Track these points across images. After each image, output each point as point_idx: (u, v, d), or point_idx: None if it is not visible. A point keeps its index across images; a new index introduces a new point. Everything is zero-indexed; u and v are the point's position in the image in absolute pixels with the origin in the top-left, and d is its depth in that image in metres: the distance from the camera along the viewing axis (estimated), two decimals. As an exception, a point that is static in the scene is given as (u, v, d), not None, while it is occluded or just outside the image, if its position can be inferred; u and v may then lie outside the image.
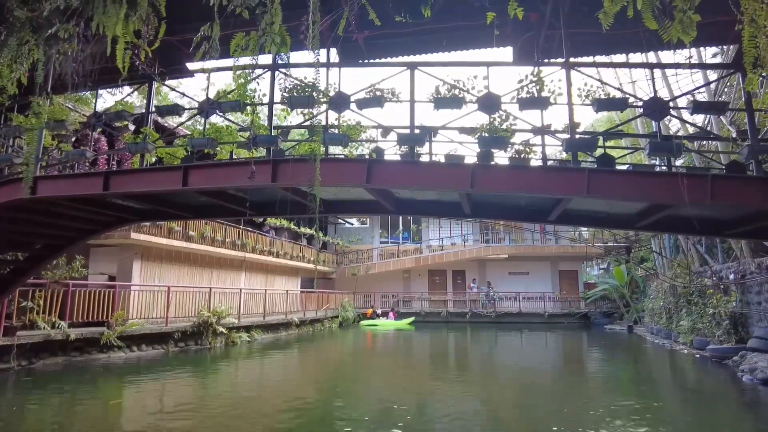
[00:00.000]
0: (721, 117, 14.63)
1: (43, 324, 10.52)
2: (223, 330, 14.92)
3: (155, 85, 7.36)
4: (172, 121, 12.61)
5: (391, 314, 27.76)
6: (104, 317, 12.19)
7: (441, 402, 8.71)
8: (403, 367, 13.73)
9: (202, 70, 7.05)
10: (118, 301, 12.81)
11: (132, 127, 8.17)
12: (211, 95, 6.75)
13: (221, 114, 6.90)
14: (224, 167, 6.70)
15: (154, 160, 8.11)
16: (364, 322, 26.62)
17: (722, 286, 15.14)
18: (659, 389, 10.57)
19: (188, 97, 8.13)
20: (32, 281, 10.33)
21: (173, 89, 11.26)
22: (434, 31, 6.88)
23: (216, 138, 6.65)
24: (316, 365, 13.76)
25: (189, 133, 9.85)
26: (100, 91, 8.60)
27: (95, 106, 7.91)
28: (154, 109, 7.22)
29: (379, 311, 28.50)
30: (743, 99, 6.02)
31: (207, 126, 6.88)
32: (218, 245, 18.15)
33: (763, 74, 4.75)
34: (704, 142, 16.07)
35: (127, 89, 7.54)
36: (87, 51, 6.31)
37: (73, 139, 8.91)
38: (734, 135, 7.69)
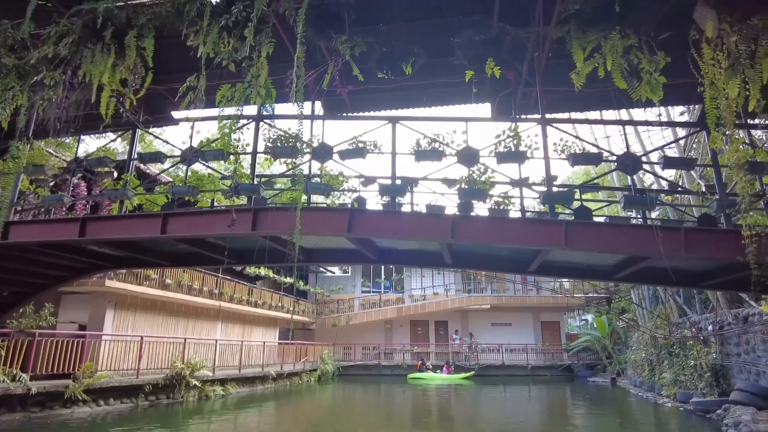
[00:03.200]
0: (691, 171, 15.20)
1: (2, 377, 9.96)
2: (197, 383, 14.32)
3: (139, 132, 7.40)
4: (154, 168, 12.61)
5: (445, 368, 26.64)
6: (71, 369, 11.61)
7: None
8: (386, 425, 13.25)
9: (187, 119, 7.15)
10: (87, 351, 12.26)
11: (114, 173, 8.15)
12: (195, 143, 6.80)
13: (204, 162, 6.93)
14: (204, 215, 6.67)
15: (133, 206, 8.05)
16: (411, 375, 25.89)
17: (702, 338, 15.20)
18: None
19: (172, 145, 8.15)
20: (-4, 330, 9.88)
21: (157, 137, 11.27)
22: (415, 88, 7.14)
23: (197, 186, 6.66)
24: (292, 423, 13.19)
25: (170, 180, 9.84)
26: (83, 137, 8.60)
27: (77, 151, 7.90)
28: (136, 156, 7.23)
29: (429, 364, 27.40)
30: (710, 155, 6.30)
31: (189, 174, 6.90)
32: (195, 294, 17.72)
33: (726, 132, 4.99)
34: (677, 196, 16.59)
35: (110, 135, 7.56)
36: (72, 98, 6.36)
37: (52, 183, 8.81)
38: (704, 189, 7.99)
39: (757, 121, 6.45)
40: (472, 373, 26.13)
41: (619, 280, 8.20)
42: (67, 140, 11.46)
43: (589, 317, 30.66)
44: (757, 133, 12.78)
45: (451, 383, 23.85)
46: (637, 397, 17.76)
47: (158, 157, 7.13)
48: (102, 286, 13.52)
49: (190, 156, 6.64)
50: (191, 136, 6.83)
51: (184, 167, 6.88)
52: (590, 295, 28.23)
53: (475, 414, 15.01)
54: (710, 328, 14.84)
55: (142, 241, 7.56)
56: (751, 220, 5.21)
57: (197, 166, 7.99)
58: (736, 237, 5.25)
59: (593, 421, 13.84)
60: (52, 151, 9.97)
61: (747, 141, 6.94)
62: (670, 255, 5.54)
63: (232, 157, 6.67)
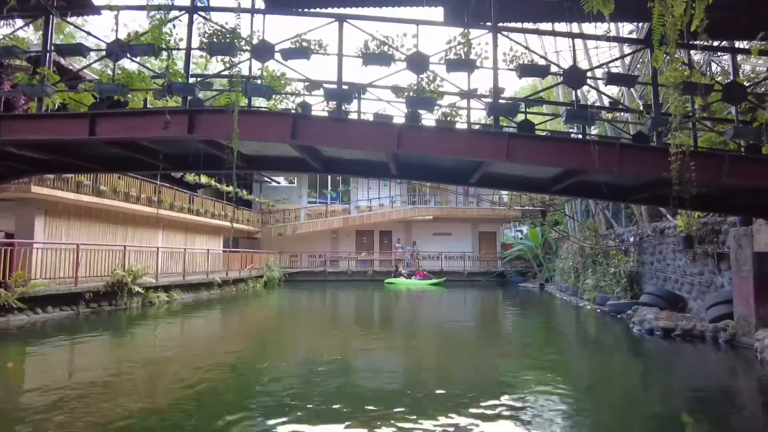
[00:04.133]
0: (632, 90, 15.61)
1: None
2: (140, 290, 14.24)
3: (55, 20, 6.57)
4: (77, 64, 11.42)
5: (418, 274, 27.87)
6: (1, 278, 11.18)
7: (364, 358, 8.97)
8: (327, 324, 13.93)
9: (110, 8, 6.38)
10: (17, 260, 11.77)
11: (30, 68, 7.32)
12: (122, 37, 6.16)
13: (133, 58, 6.34)
14: (136, 116, 6.22)
15: (57, 105, 7.37)
16: (387, 280, 27.48)
17: (623, 248, 16.60)
18: (563, 339, 11.63)
19: (96, 37, 7.30)
20: None
21: (78, 27, 9.93)
22: (365, -16, 6.67)
23: (127, 84, 6.13)
24: (238, 325, 13.59)
25: (97, 77, 9.01)
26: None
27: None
28: (53, 47, 6.48)
29: (403, 271, 28.38)
30: (650, 74, 6.45)
31: (117, 71, 6.31)
32: (133, 201, 17.08)
33: (668, 51, 5.07)
34: (617, 114, 17.14)
35: (19, 22, 6.67)
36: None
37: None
38: (641, 108, 8.26)
39: (698, 42, 6.60)
40: (443, 279, 27.56)
41: (556, 193, 8.60)
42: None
43: (525, 228, 32.50)
44: (696, 57, 13.15)
45: (420, 288, 25.14)
46: (561, 300, 19.49)
47: (79, 49, 6.43)
48: (28, 192, 12.71)
49: (116, 50, 6.04)
50: (116, 28, 6.17)
51: (112, 64, 6.27)
52: (527, 207, 29.71)
53: (415, 313, 16.05)
54: (631, 239, 16.17)
55: (69, 143, 7.01)
56: (678, 140, 5.51)
57: (127, 64, 7.31)
58: (664, 154, 5.56)
59: (521, 320, 15.19)
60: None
61: (685, 61, 7.12)
62: (605, 169, 5.83)
63: (164, 54, 6.13)
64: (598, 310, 15.27)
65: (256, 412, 5.43)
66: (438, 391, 6.41)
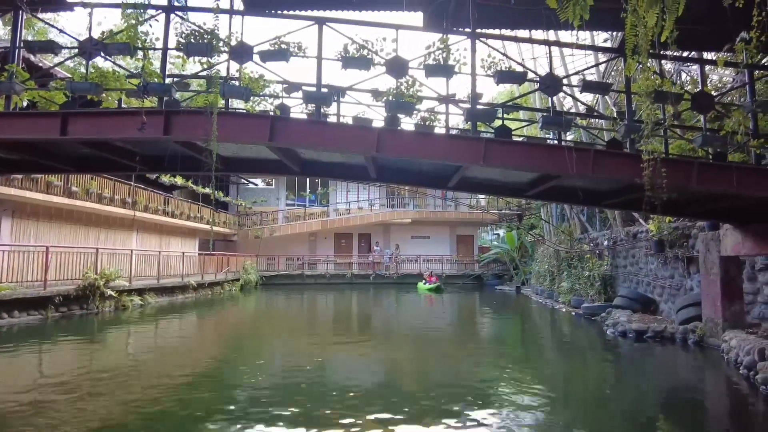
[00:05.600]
0: (606, 98, 15.97)
1: None
2: (113, 293, 13.92)
3: (24, 15, 6.39)
4: (48, 62, 11.13)
5: (429, 278, 26.60)
6: (-35, 280, 10.81)
7: (342, 362, 8.94)
8: (307, 327, 13.83)
9: (84, 4, 6.24)
10: (-18, 262, 11.41)
11: (-5, 64, 7.09)
12: (96, 35, 6.04)
13: (107, 57, 6.21)
14: (111, 116, 6.09)
15: (25, 103, 7.17)
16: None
17: (597, 252, 16.94)
18: (538, 341, 11.80)
19: (69, 35, 7.11)
20: None
21: (50, 24, 9.58)
22: (344, -13, 6.68)
23: (101, 83, 6.00)
24: (212, 330, 13.38)
25: (69, 76, 8.80)
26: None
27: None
28: (22, 44, 6.30)
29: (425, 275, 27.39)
30: (624, 82, 6.61)
31: (91, 69, 6.17)
32: (106, 203, 16.69)
33: (640, 61, 5.21)
34: (592, 120, 17.51)
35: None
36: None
37: None
38: (615, 115, 8.47)
39: (668, 52, 6.79)
40: (437, 285, 25.65)
41: (531, 198, 8.74)
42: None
43: (501, 232, 32.92)
44: (667, 65, 13.54)
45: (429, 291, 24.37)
46: (537, 303, 19.77)
47: (50, 46, 6.27)
48: (-6, 192, 12.32)
49: (90, 48, 5.90)
50: (90, 25, 6.03)
51: (85, 62, 6.13)
52: (504, 211, 30.09)
53: (393, 315, 16.06)
54: (605, 243, 16.52)
55: (39, 142, 6.83)
56: (650, 146, 5.67)
57: (100, 62, 7.15)
58: (636, 161, 5.70)
59: (497, 321, 15.35)
60: None
61: (657, 71, 7.33)
62: (580, 174, 5.94)
63: (140, 53, 6.02)
64: (573, 313, 15.53)
65: (226, 421, 5.31)
66: (410, 393, 6.43)
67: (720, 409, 6.44)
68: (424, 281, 26.67)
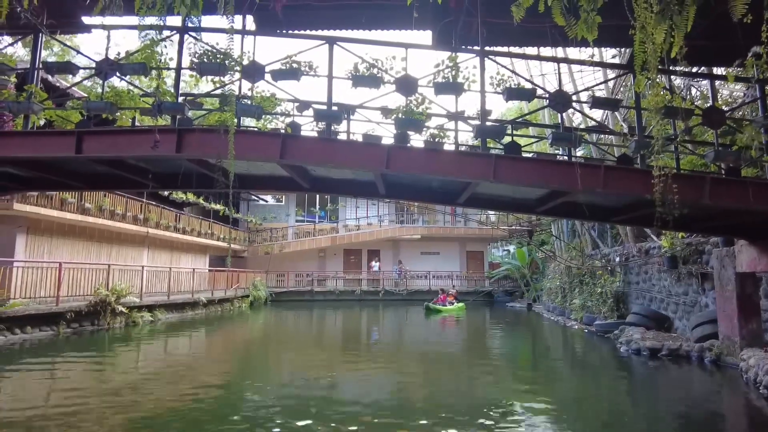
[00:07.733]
0: (616, 113, 15.95)
1: None
2: (124, 309, 13.99)
3: (44, 38, 6.57)
4: (65, 82, 11.39)
5: (443, 297, 23.89)
6: (-20, 296, 10.93)
7: (352, 382, 8.86)
8: (316, 345, 13.77)
9: (102, 27, 6.40)
10: (-3, 278, 11.54)
11: (14, 83, 7.27)
12: (112, 55, 6.18)
13: (123, 77, 6.35)
14: (125, 134, 6.20)
15: (42, 122, 7.32)
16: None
17: (609, 268, 16.75)
18: (551, 360, 11.62)
19: (85, 56, 7.32)
20: None
21: (67, 45, 9.89)
22: (354, 7, 6.78)
23: (116, 102, 6.13)
24: (222, 349, 13.36)
25: (85, 95, 8.99)
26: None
27: (-33, 57, 6.94)
28: (41, 65, 6.47)
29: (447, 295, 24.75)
30: (634, 98, 6.61)
31: (106, 89, 6.31)
32: (118, 219, 16.87)
33: (650, 77, 5.22)
34: (602, 136, 17.48)
35: (8, 39, 6.66)
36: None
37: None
38: (625, 130, 8.45)
39: (678, 68, 6.79)
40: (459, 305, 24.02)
41: (541, 214, 8.69)
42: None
43: (512, 248, 32.65)
44: (677, 81, 13.53)
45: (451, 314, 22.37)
46: (549, 320, 19.52)
47: (68, 67, 6.42)
48: (10, 210, 12.51)
49: (106, 68, 6.04)
50: (107, 46, 6.18)
51: (101, 82, 6.27)
52: (514, 227, 29.92)
53: (402, 333, 15.93)
54: (617, 259, 16.34)
55: (55, 160, 6.95)
56: (661, 162, 5.64)
57: (116, 82, 7.31)
58: (647, 176, 5.66)
59: (509, 339, 15.16)
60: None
61: (667, 86, 7.32)
62: (590, 190, 5.92)
63: (154, 73, 6.15)
64: (586, 330, 15.30)
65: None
66: (423, 409, 6.34)
67: (739, 430, 6.27)
68: (438, 302, 23.27)
